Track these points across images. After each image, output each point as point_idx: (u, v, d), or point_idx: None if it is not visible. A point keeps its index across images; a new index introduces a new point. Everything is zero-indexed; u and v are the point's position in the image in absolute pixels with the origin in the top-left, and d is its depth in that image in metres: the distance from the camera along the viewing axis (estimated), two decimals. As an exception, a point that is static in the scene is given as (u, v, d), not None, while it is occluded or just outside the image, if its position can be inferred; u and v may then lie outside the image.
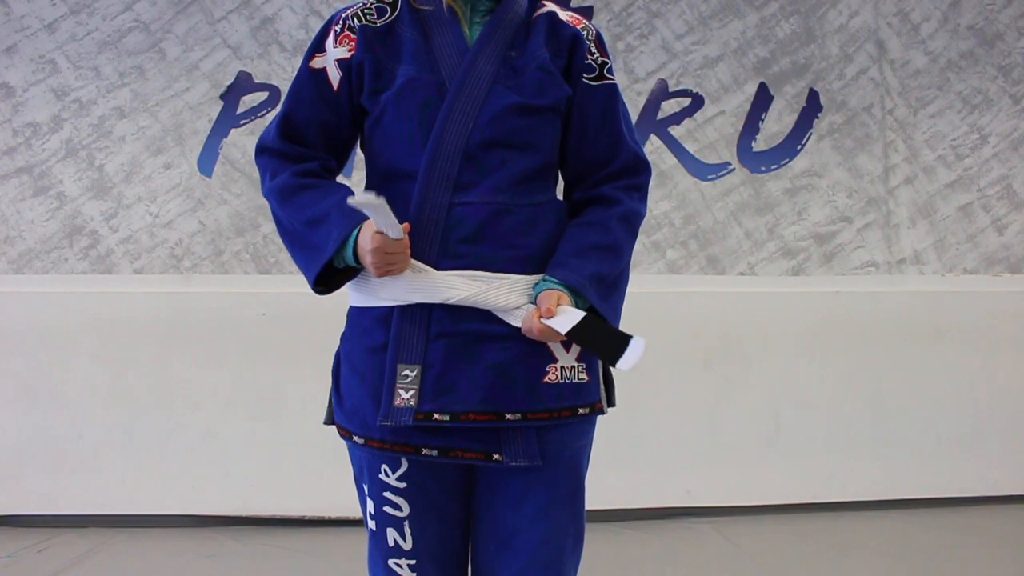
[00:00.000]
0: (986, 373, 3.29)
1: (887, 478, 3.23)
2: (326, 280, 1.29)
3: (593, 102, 1.34)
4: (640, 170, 1.37)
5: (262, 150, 1.36)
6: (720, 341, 3.19)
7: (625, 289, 1.34)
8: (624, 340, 1.18)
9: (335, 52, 1.31)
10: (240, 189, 3.09)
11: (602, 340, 1.20)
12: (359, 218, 1.22)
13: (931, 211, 3.34)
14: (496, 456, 1.26)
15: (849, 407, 3.24)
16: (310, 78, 1.33)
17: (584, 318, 1.19)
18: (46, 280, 3.07)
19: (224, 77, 3.10)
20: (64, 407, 3.01)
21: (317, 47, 1.33)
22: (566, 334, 1.19)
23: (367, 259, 1.20)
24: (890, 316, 3.26)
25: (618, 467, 2.97)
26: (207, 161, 3.10)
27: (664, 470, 3.13)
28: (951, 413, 3.27)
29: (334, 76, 1.31)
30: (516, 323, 1.24)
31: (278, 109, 1.39)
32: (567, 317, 1.20)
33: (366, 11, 1.32)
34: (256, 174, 3.00)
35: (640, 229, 1.40)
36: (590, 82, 1.34)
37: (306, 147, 1.33)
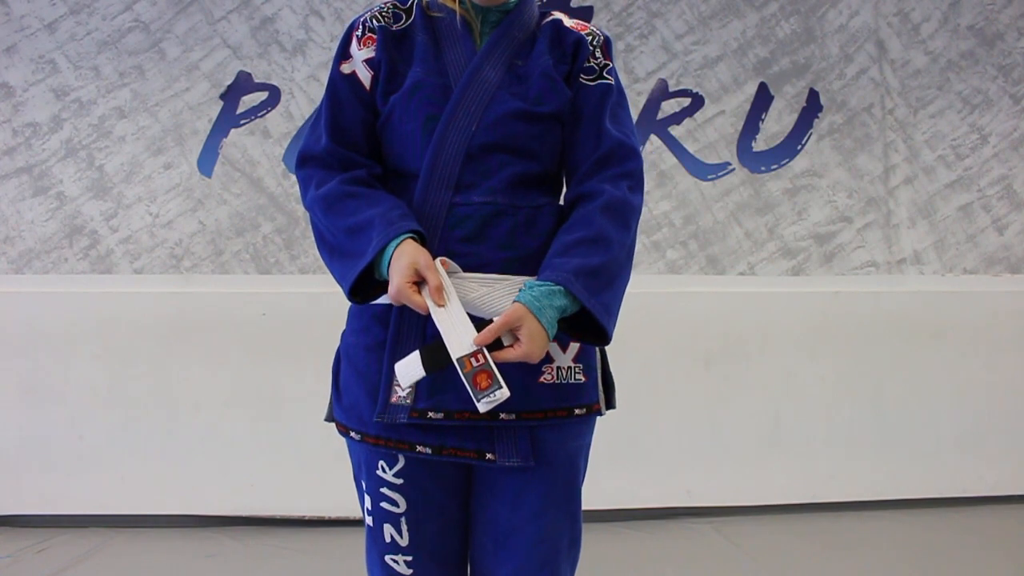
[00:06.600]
0: (986, 373, 3.29)
1: (887, 478, 3.23)
2: (363, 289, 1.26)
3: (587, 100, 1.33)
4: (626, 156, 1.32)
5: (307, 160, 1.33)
6: (720, 341, 3.19)
7: (622, 287, 1.28)
8: (442, 354, 1.16)
9: (361, 54, 1.33)
10: (240, 189, 3.09)
11: (432, 348, 1.17)
12: (404, 227, 1.20)
13: (931, 211, 3.34)
14: (489, 455, 1.27)
15: (849, 407, 3.24)
16: (343, 81, 1.33)
17: (433, 344, 1.17)
18: (46, 280, 3.07)
19: (224, 77, 3.09)
20: (64, 407, 3.01)
21: (343, 55, 1.35)
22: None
23: (393, 269, 1.17)
24: (890, 316, 3.26)
25: (618, 467, 2.97)
26: (207, 161, 3.10)
27: (664, 470, 3.13)
28: (951, 413, 3.27)
29: (364, 76, 1.33)
30: None
31: (318, 119, 1.36)
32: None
33: (384, 14, 1.35)
34: (257, 173, 3.06)
35: (640, 229, 1.38)
36: (587, 82, 1.34)
37: (354, 150, 1.32)
